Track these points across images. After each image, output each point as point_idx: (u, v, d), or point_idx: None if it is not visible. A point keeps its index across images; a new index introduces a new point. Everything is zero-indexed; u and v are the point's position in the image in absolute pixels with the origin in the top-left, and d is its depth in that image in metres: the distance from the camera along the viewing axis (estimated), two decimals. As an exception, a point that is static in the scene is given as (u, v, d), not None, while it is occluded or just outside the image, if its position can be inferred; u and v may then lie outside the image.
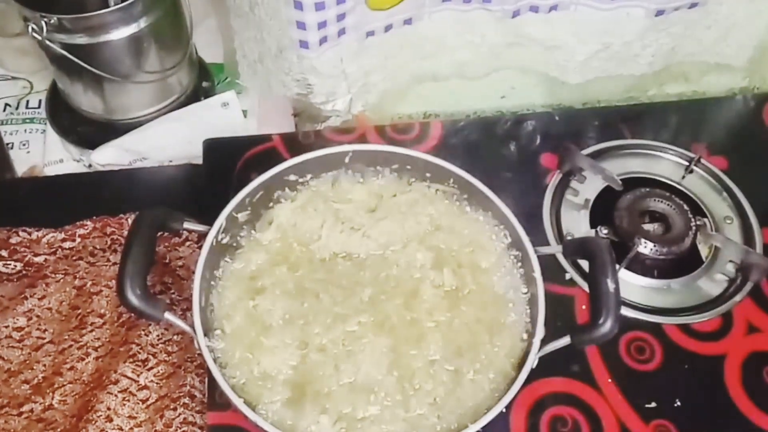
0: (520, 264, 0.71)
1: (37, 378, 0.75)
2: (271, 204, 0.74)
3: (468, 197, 0.75)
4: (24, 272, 0.81)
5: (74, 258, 0.82)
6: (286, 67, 0.88)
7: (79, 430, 0.70)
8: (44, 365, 0.75)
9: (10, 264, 0.81)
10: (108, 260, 0.82)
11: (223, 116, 0.96)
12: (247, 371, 0.65)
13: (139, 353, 0.75)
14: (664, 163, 0.92)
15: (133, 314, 0.69)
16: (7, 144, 0.96)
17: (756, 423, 0.72)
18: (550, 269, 0.76)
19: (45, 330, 0.77)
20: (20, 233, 0.82)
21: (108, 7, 0.84)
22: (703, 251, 0.84)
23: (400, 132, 0.93)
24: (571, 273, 0.81)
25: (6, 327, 0.77)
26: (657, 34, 0.91)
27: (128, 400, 0.73)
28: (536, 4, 0.87)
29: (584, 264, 0.81)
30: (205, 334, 0.64)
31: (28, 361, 0.76)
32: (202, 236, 0.68)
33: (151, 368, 0.75)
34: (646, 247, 0.81)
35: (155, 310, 0.62)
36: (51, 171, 0.95)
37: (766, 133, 0.96)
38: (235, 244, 0.72)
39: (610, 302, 0.61)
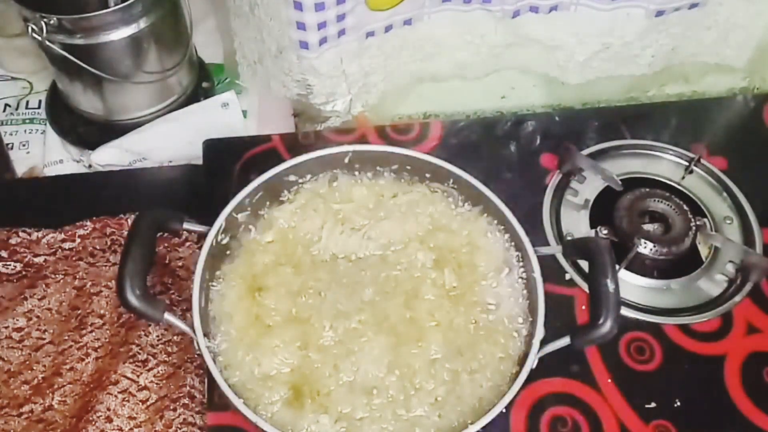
0: (520, 264, 0.71)
1: (36, 378, 0.75)
2: (271, 205, 0.74)
3: (468, 198, 0.75)
4: (24, 273, 0.81)
5: (74, 258, 0.82)
6: (286, 68, 0.88)
7: (79, 431, 0.70)
8: (44, 366, 0.75)
9: (9, 264, 0.81)
10: (108, 261, 0.82)
11: (223, 116, 0.96)
12: (247, 371, 0.65)
13: (139, 354, 0.75)
14: (664, 163, 0.92)
15: (132, 315, 0.69)
16: (7, 144, 0.96)
17: (756, 423, 0.72)
18: (550, 269, 0.76)
19: (45, 330, 0.77)
20: (20, 234, 0.82)
21: (108, 7, 0.84)
22: (703, 251, 0.84)
23: (400, 132, 0.93)
24: (570, 273, 0.81)
25: (6, 327, 0.77)
26: (657, 34, 0.91)
27: (128, 401, 0.73)
28: (536, 4, 0.87)
29: (584, 264, 0.81)
30: (205, 335, 0.64)
31: (27, 362, 0.76)
32: (202, 237, 0.68)
33: (151, 369, 0.75)
34: (646, 248, 0.81)
35: (155, 311, 0.62)
36: (51, 171, 0.95)
37: (766, 133, 0.96)
38: (235, 245, 0.72)
39: (609, 302, 0.61)
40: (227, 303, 0.69)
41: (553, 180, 0.89)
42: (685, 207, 0.84)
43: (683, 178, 0.90)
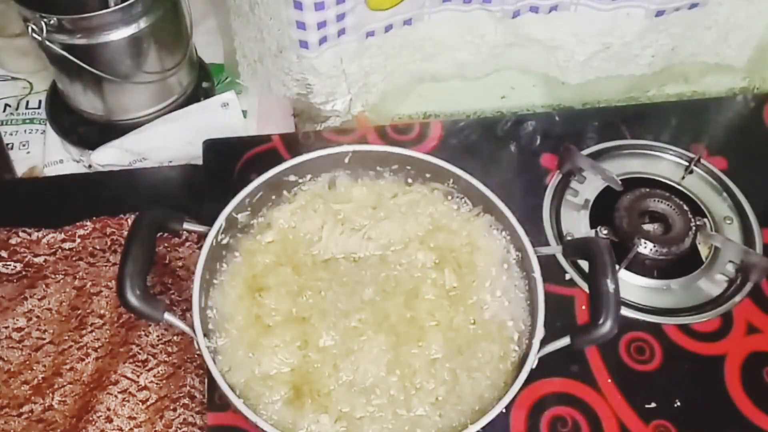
0: (520, 264, 0.71)
1: (36, 378, 0.75)
2: (271, 204, 0.74)
3: (468, 197, 0.75)
4: (24, 273, 0.81)
5: (74, 258, 0.82)
6: (286, 67, 0.88)
7: (79, 431, 0.70)
8: (44, 366, 0.75)
9: (9, 264, 0.81)
10: (108, 261, 0.82)
11: (223, 116, 0.96)
12: (247, 371, 0.65)
13: (139, 354, 0.75)
14: (664, 163, 0.92)
15: (133, 315, 0.69)
16: (7, 144, 0.96)
17: (756, 423, 0.72)
18: (550, 269, 0.76)
19: (45, 330, 0.77)
20: (20, 234, 0.82)
21: (108, 7, 0.84)
22: (703, 251, 0.84)
23: (400, 132, 0.93)
24: (570, 273, 0.81)
25: (6, 327, 0.77)
26: (657, 34, 0.91)
27: (128, 401, 0.73)
28: (536, 4, 0.87)
29: (584, 264, 0.81)
30: (205, 335, 0.64)
31: (27, 362, 0.76)
32: (202, 237, 0.68)
33: (151, 369, 0.75)
34: (646, 248, 0.81)
35: (155, 311, 0.63)
36: (51, 171, 0.95)
37: (766, 133, 0.96)
38: (235, 245, 0.72)
39: (609, 302, 0.61)
40: (227, 303, 0.69)
41: (553, 180, 0.89)
42: (685, 207, 0.84)
43: (683, 178, 0.90)
